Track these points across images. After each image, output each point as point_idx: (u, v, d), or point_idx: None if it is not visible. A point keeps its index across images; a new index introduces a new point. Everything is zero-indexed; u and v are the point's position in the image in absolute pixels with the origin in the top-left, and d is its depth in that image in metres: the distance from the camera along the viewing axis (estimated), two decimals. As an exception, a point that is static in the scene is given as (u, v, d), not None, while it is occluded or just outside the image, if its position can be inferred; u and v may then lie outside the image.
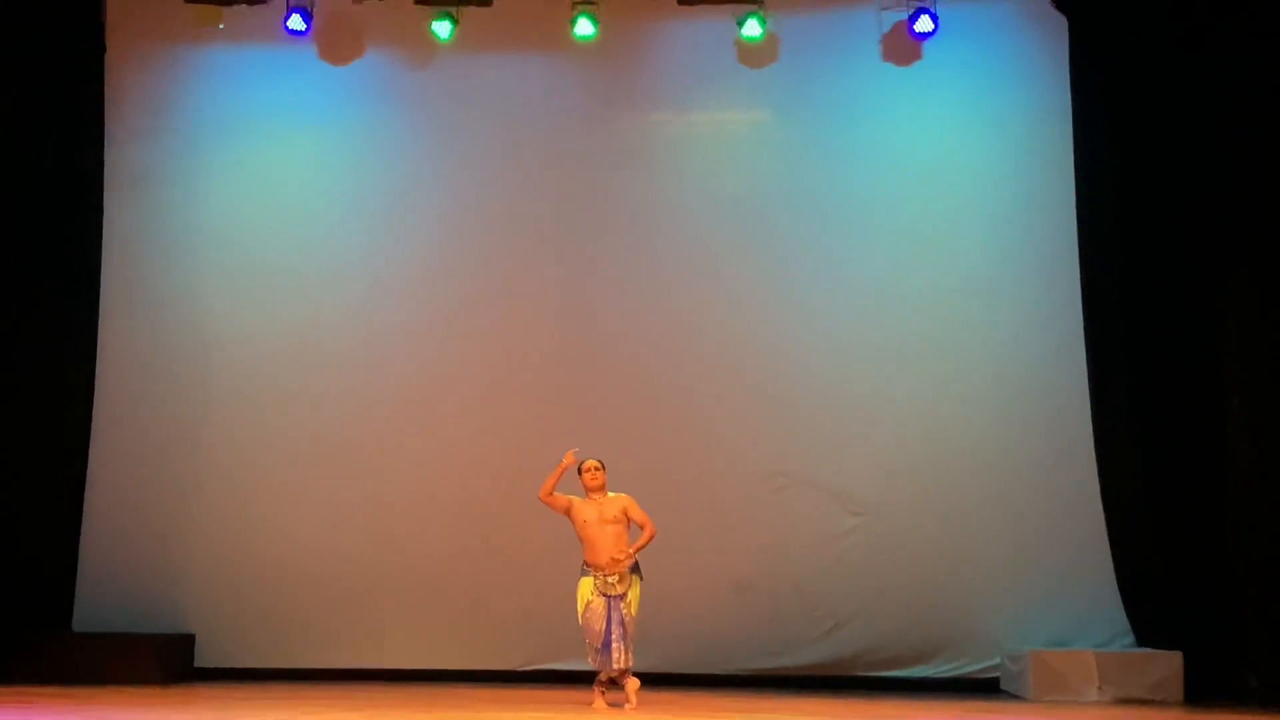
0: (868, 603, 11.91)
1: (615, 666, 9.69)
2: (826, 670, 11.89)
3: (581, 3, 11.97)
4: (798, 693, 11.48)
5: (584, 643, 9.90)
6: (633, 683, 9.80)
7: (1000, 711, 10.60)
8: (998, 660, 11.80)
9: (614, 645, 9.59)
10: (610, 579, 9.67)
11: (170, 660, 11.86)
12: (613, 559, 9.67)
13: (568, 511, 9.88)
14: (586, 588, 9.77)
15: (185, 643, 12.10)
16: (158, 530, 12.25)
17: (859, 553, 11.95)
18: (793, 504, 12.04)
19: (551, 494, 9.80)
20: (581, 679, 10.69)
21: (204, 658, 12.13)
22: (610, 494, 9.92)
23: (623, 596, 9.67)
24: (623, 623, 9.64)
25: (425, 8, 12.01)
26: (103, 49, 12.49)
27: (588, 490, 9.92)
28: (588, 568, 9.81)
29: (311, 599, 12.13)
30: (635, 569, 9.82)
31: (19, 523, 12.05)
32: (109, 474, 12.30)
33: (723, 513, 11.95)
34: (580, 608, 9.79)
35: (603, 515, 9.78)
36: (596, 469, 9.89)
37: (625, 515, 9.83)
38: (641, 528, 9.85)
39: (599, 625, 9.63)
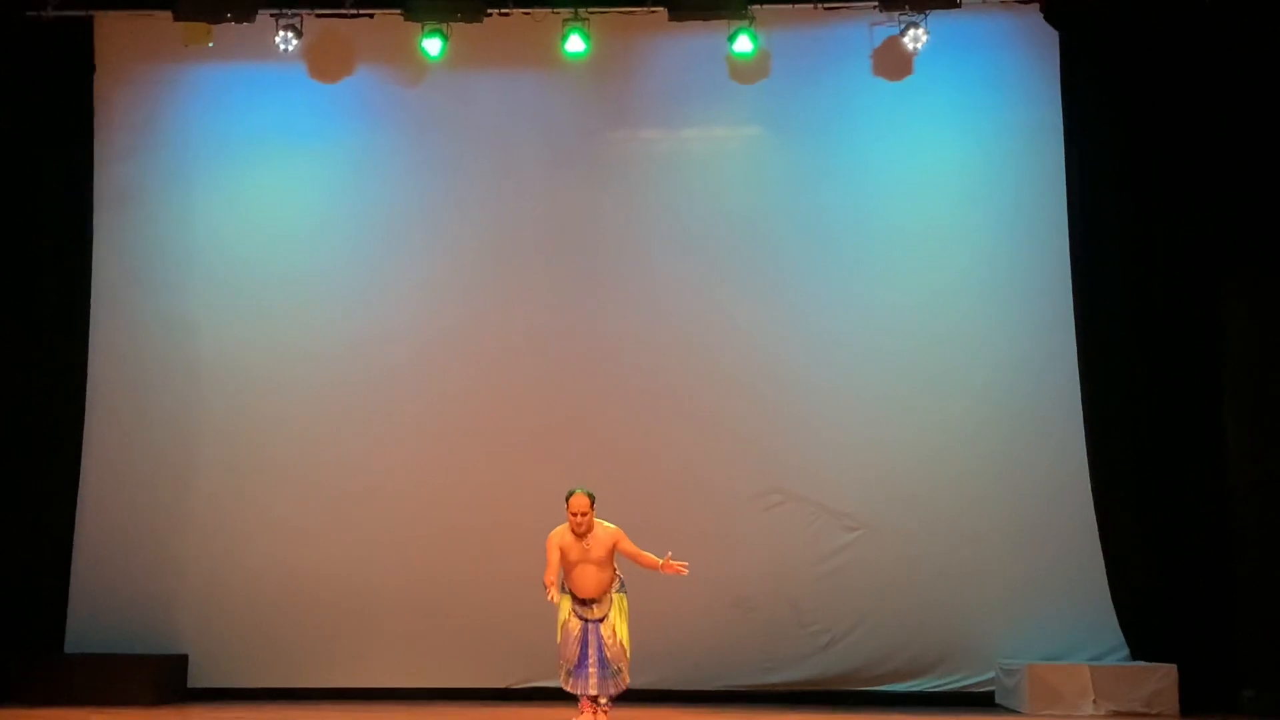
0: (863, 617, 11.90)
1: (591, 692, 9.41)
2: (822, 685, 11.88)
3: (572, 19, 11.96)
4: (793, 708, 11.50)
5: (559, 666, 9.58)
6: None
7: (996, 726, 10.64)
8: (993, 674, 11.80)
9: (590, 671, 9.37)
10: (594, 606, 9.45)
11: (163, 681, 11.82)
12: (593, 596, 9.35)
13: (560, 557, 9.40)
14: (565, 607, 9.45)
15: (178, 663, 12.05)
16: (150, 551, 12.20)
17: (854, 568, 11.94)
18: (788, 520, 12.02)
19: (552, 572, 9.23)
20: (573, 697, 10.59)
21: (197, 678, 12.09)
22: (603, 528, 9.35)
23: (601, 620, 9.37)
24: (601, 647, 9.32)
25: (416, 24, 11.96)
26: (92, 68, 12.45)
27: (576, 530, 9.33)
28: (568, 589, 9.49)
29: (304, 619, 12.09)
30: (621, 587, 9.46)
31: (10, 544, 12.00)
32: (100, 495, 12.25)
33: (718, 529, 11.90)
34: (559, 626, 9.49)
35: (586, 555, 9.31)
36: (581, 515, 9.24)
37: (612, 553, 9.37)
38: (635, 559, 9.37)
39: (572, 649, 9.34)
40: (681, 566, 9.33)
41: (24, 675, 11.62)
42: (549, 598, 9.13)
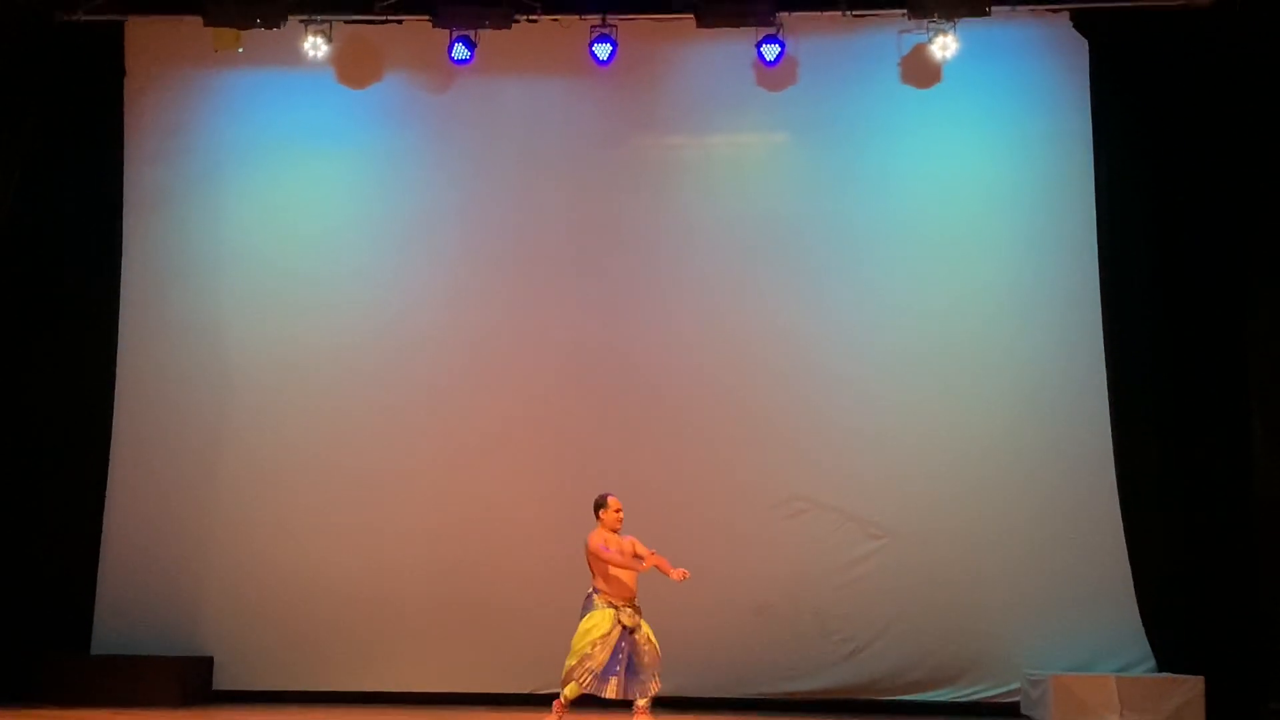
0: (887, 626, 11.86)
1: (613, 695, 9.59)
2: (846, 694, 11.84)
3: (600, 26, 11.97)
4: (817, 717, 11.46)
5: (578, 667, 9.65)
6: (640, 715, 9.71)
7: (1021, 737, 10.59)
8: (1018, 685, 11.74)
9: (618, 674, 9.50)
10: (628, 611, 9.64)
11: (189, 683, 11.88)
12: (629, 591, 9.70)
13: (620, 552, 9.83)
14: (607, 619, 9.67)
15: (204, 665, 12.11)
16: (176, 553, 12.26)
17: (878, 576, 11.91)
18: (812, 527, 12.00)
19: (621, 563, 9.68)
20: (593, 703, 10.52)
21: (222, 680, 12.14)
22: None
23: (637, 628, 9.62)
24: (636, 652, 9.58)
25: (444, 31, 12.01)
26: (123, 72, 12.55)
27: (616, 527, 9.85)
28: (609, 600, 9.71)
29: (330, 622, 12.12)
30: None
31: (38, 545, 12.10)
32: (128, 496, 12.31)
33: (742, 536, 11.91)
34: (595, 635, 9.63)
35: (626, 552, 9.76)
36: (618, 512, 9.85)
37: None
38: (642, 560, 9.73)
39: (607, 655, 9.56)
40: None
41: (50, 676, 11.70)
42: (648, 565, 9.56)
